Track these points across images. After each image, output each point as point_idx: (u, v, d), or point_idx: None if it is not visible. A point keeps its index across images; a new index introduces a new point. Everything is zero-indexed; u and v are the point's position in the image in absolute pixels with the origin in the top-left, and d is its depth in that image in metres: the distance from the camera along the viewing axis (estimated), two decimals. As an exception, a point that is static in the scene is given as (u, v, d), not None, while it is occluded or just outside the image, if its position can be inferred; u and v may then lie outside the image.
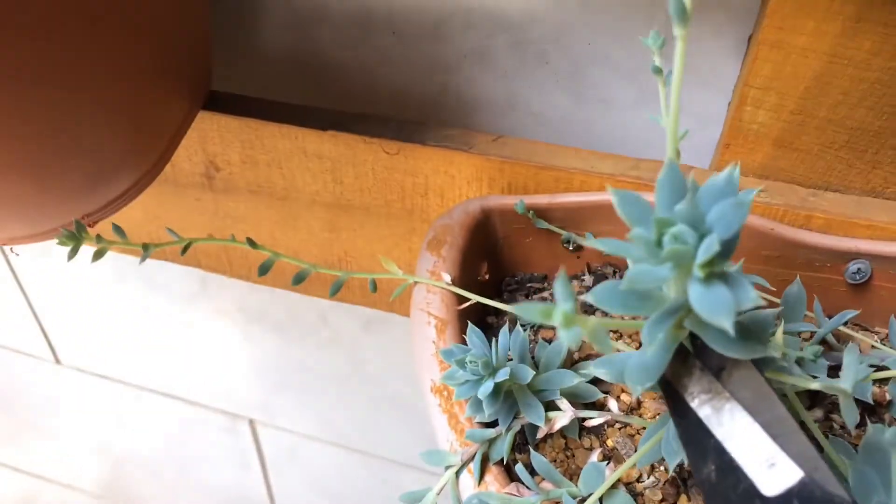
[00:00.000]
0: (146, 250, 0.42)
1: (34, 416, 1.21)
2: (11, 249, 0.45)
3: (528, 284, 0.51)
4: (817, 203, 0.44)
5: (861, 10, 0.38)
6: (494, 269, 0.50)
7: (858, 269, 0.43)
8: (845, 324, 0.42)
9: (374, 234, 0.55)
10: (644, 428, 0.40)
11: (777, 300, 0.42)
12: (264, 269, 0.44)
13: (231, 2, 0.56)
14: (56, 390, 1.12)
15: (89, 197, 0.44)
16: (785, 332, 0.38)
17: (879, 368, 0.40)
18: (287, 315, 0.80)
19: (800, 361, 0.39)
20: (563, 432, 0.40)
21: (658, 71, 0.34)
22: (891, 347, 0.40)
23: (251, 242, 0.44)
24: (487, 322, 0.48)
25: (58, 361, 1.05)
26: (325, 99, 0.58)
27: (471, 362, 0.35)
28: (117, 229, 0.42)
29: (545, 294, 0.50)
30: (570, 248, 0.48)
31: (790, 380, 0.30)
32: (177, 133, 0.48)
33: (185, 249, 0.44)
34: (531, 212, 0.46)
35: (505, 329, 0.38)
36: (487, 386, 0.35)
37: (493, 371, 0.35)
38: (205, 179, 0.56)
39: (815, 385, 0.27)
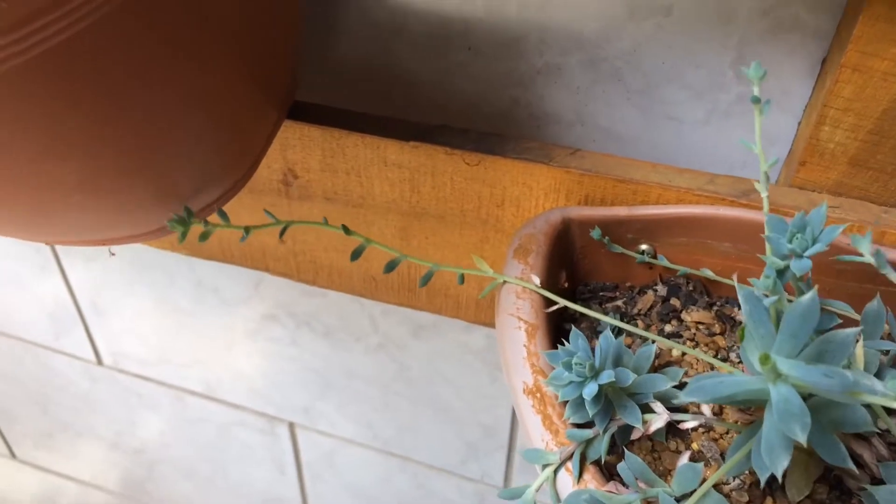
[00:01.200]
0: (247, 232, 0.44)
1: (72, 417, 1.22)
2: (109, 249, 0.47)
3: (601, 293, 0.53)
4: (890, 220, 0.46)
5: (944, 37, 0.40)
6: (571, 277, 0.52)
7: (930, 283, 0.45)
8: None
9: (446, 241, 0.57)
10: (727, 432, 0.42)
11: (856, 315, 0.44)
12: (356, 255, 0.46)
13: (312, 14, 0.58)
14: (96, 392, 1.14)
15: (191, 202, 0.46)
16: (865, 347, 0.40)
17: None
18: (338, 320, 0.82)
19: (879, 374, 0.41)
20: (650, 435, 0.42)
21: (756, 101, 0.36)
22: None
23: (345, 229, 0.45)
24: (564, 328, 0.49)
25: (100, 363, 1.06)
26: (400, 109, 0.60)
27: (577, 364, 0.37)
28: (222, 213, 0.44)
29: (618, 303, 0.51)
30: (646, 258, 0.50)
31: (877, 400, 0.31)
32: (266, 142, 0.50)
33: (282, 232, 0.46)
34: (606, 237, 0.48)
35: (605, 334, 0.39)
36: (592, 388, 0.37)
37: (597, 373, 0.37)
38: (282, 186, 0.58)
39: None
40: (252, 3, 0.41)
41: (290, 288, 0.80)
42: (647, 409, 0.40)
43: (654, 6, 0.50)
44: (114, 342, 1.03)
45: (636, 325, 0.50)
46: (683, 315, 0.49)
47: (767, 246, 0.35)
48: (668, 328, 0.48)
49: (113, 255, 0.56)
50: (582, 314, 0.52)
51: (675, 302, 0.49)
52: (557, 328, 0.49)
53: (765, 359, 0.30)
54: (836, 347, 0.32)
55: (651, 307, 0.50)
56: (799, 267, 0.34)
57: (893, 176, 0.46)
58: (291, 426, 1.01)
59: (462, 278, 0.47)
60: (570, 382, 0.37)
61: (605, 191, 0.50)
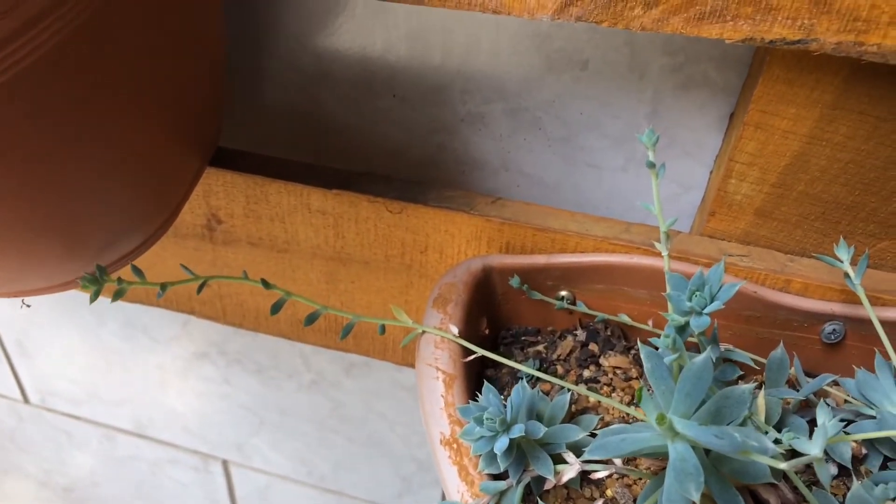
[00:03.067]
0: (163, 289, 0.44)
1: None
2: (23, 301, 0.47)
3: (523, 338, 0.53)
4: (796, 268, 0.47)
5: (837, 99, 0.42)
6: (493, 323, 0.52)
7: (833, 329, 0.47)
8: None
9: (372, 286, 0.57)
10: (640, 479, 0.43)
11: (763, 359, 0.46)
12: (276, 309, 0.46)
13: (239, 61, 0.58)
14: (24, 431, 1.10)
15: (106, 252, 0.45)
16: (767, 396, 0.41)
17: (852, 422, 0.43)
18: (269, 358, 0.81)
19: (782, 421, 0.43)
20: (565, 484, 0.42)
21: (651, 165, 0.37)
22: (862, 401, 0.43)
23: (265, 283, 0.45)
24: (487, 375, 0.50)
25: (26, 401, 1.03)
26: (327, 155, 0.60)
27: (487, 419, 0.37)
28: (136, 270, 0.43)
29: (539, 347, 0.52)
30: (565, 304, 0.51)
31: (764, 459, 0.32)
32: (188, 189, 0.50)
33: (200, 288, 0.45)
34: (525, 285, 0.49)
35: (518, 386, 0.40)
36: (503, 442, 0.37)
37: (508, 427, 0.38)
38: (206, 231, 0.58)
39: (784, 466, 0.29)
40: (171, 61, 0.41)
41: (219, 326, 0.79)
42: (560, 459, 0.41)
43: (571, 60, 0.51)
44: (41, 381, 1.00)
45: (556, 371, 0.51)
46: (602, 360, 0.50)
47: (669, 304, 0.37)
48: (586, 373, 0.49)
49: (28, 306, 0.55)
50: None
51: (593, 347, 0.50)
52: (479, 375, 0.50)
53: (661, 419, 0.31)
54: (733, 403, 0.34)
55: (570, 352, 0.51)
56: (698, 324, 0.35)
57: (797, 226, 0.47)
58: (225, 463, 1.00)
59: (383, 328, 0.47)
60: (482, 437, 0.38)
61: (524, 239, 0.51)
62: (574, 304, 0.52)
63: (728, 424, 0.36)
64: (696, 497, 0.30)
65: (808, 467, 0.43)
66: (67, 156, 0.37)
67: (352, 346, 0.62)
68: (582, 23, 0.40)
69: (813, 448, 0.32)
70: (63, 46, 0.33)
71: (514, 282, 0.49)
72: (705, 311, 0.36)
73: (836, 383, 0.45)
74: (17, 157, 0.35)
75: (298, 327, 0.62)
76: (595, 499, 0.42)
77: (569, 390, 0.44)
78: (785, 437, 0.35)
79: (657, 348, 0.36)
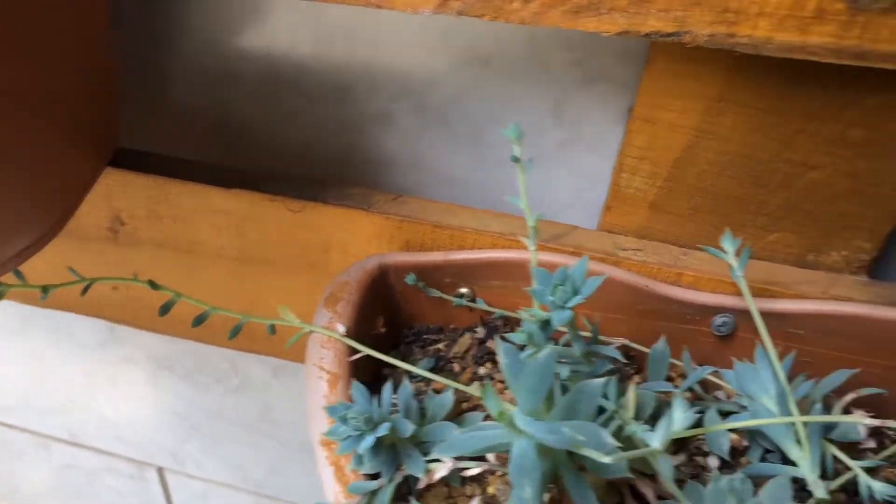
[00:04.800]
0: (45, 291, 0.43)
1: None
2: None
3: (425, 336, 0.53)
4: (688, 261, 0.47)
5: (722, 92, 0.42)
6: (392, 322, 0.52)
7: (724, 322, 0.47)
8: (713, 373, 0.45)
9: (279, 286, 0.56)
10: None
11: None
12: (165, 309, 0.45)
13: (143, 61, 0.57)
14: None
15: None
16: (646, 390, 0.41)
17: (734, 413, 0.43)
18: (196, 362, 0.80)
19: (657, 414, 0.42)
20: (446, 481, 0.42)
21: (516, 160, 0.37)
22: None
23: (152, 284, 0.45)
24: (384, 375, 0.49)
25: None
26: (236, 155, 0.60)
27: (352, 418, 0.37)
28: (17, 272, 0.42)
29: (440, 345, 0.52)
30: (463, 301, 0.50)
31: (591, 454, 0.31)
32: (82, 191, 0.49)
33: (85, 290, 0.44)
34: (422, 283, 0.49)
35: (388, 384, 0.40)
36: (368, 441, 0.37)
37: (375, 426, 0.37)
38: (109, 233, 0.57)
39: (606, 459, 0.29)
40: (53, 62, 0.40)
41: (146, 332, 0.78)
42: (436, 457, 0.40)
43: (474, 56, 0.51)
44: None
45: (452, 368, 0.50)
46: (498, 357, 0.49)
47: (533, 299, 0.36)
48: (482, 370, 0.49)
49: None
50: (405, 359, 0.52)
51: (491, 344, 0.50)
52: (377, 375, 0.49)
53: (500, 415, 0.30)
54: (585, 398, 0.33)
55: (467, 350, 0.50)
56: (559, 318, 0.35)
57: (690, 219, 0.47)
58: (160, 470, 0.98)
59: (273, 328, 0.46)
60: (348, 436, 0.37)
61: (424, 236, 0.50)
62: (474, 301, 0.51)
63: (582, 419, 0.36)
64: (532, 492, 0.29)
65: (689, 458, 0.43)
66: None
67: (264, 348, 0.61)
68: (464, 17, 0.40)
69: (653, 441, 0.32)
70: None
71: (410, 279, 0.49)
72: (567, 304, 0.35)
73: (719, 375, 0.45)
74: None
75: (210, 330, 0.61)
76: (474, 496, 0.41)
77: (460, 389, 0.43)
78: (637, 429, 0.34)
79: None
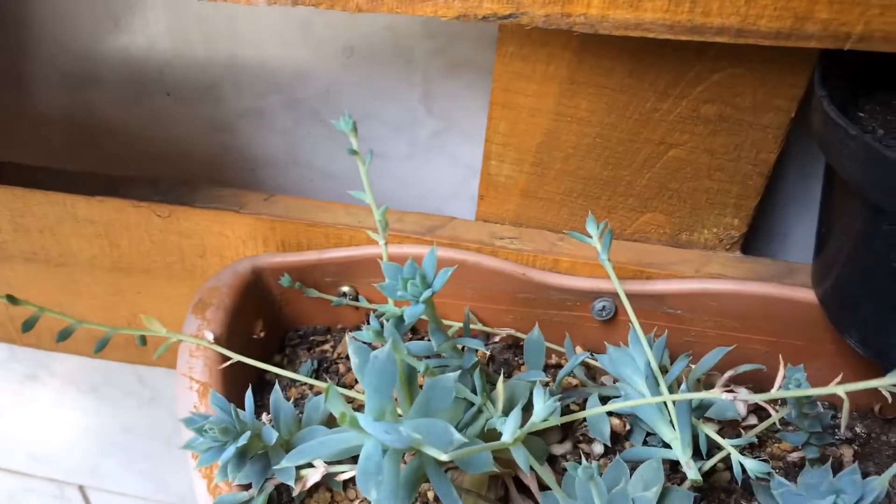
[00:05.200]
0: None
1: None
2: None
3: (311, 337, 0.52)
4: (564, 247, 0.47)
5: (573, 73, 0.41)
6: (275, 324, 0.50)
7: (604, 306, 0.46)
8: (593, 359, 0.45)
9: (160, 295, 0.55)
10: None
11: (549, 344, 0.45)
12: (28, 326, 0.43)
13: (-3, 66, 0.55)
14: None
15: None
16: (514, 381, 0.41)
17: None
18: (102, 377, 0.78)
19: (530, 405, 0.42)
20: (328, 486, 0.41)
21: (353, 153, 0.36)
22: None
23: (11, 298, 0.42)
24: (268, 380, 0.48)
25: None
26: (106, 161, 0.57)
27: (209, 429, 0.35)
28: None
29: (326, 347, 0.51)
30: (345, 300, 0.49)
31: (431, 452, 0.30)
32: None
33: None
34: (298, 283, 0.48)
35: (249, 391, 0.38)
36: (229, 451, 0.35)
37: (237, 435, 0.36)
38: (-24, 249, 0.54)
39: (444, 457, 0.28)
40: None
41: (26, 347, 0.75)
42: (309, 463, 0.39)
43: (336, 48, 0.50)
44: None
45: (337, 369, 0.49)
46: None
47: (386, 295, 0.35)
48: (366, 370, 0.48)
49: None
50: (290, 363, 0.51)
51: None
52: (261, 380, 0.48)
53: (342, 417, 0.29)
54: (440, 393, 0.33)
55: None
56: (411, 313, 0.34)
57: (562, 204, 0.47)
58: (82, 489, 0.95)
59: (143, 339, 0.45)
60: (209, 448, 0.36)
61: (299, 235, 0.49)
62: (357, 299, 0.50)
63: (442, 415, 0.36)
64: (375, 496, 0.28)
65: (574, 446, 0.43)
66: None
67: (152, 360, 0.59)
68: (301, 6, 0.39)
69: (504, 434, 0.31)
70: None
71: (285, 281, 0.47)
72: (421, 299, 0.34)
73: (594, 360, 0.44)
74: None
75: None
76: (357, 499, 0.40)
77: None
78: (498, 422, 0.34)
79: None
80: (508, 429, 0.31)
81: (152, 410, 0.81)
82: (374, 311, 0.50)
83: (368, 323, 0.50)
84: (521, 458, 0.32)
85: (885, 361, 0.38)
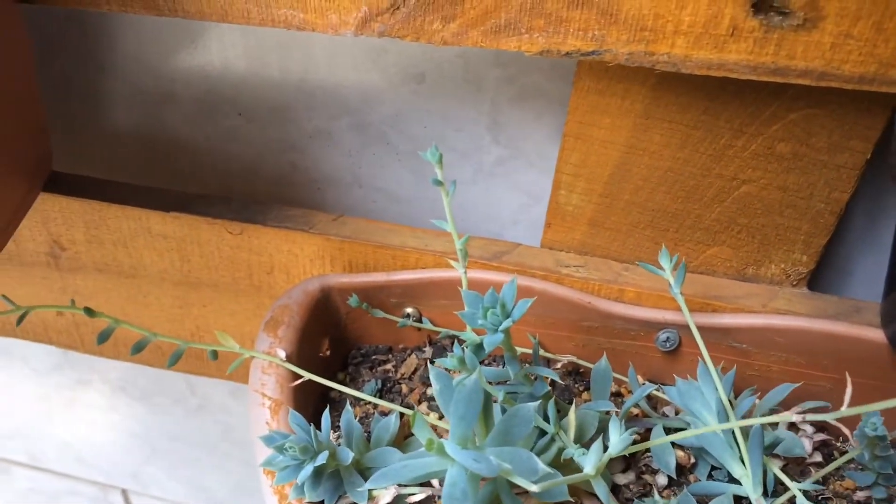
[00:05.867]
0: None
1: None
2: None
3: (373, 357, 0.53)
4: (629, 277, 0.47)
5: (648, 109, 0.42)
6: (340, 343, 0.51)
7: (668, 337, 0.47)
8: (657, 390, 0.45)
9: (225, 309, 0.56)
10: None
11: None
12: (104, 337, 0.44)
13: (80, 84, 0.56)
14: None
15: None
16: (588, 410, 0.41)
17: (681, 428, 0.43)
18: (153, 384, 0.79)
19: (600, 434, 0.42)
20: (397, 507, 0.42)
21: (438, 183, 0.36)
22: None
23: (88, 311, 0.44)
24: (331, 397, 0.49)
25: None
26: (176, 176, 0.59)
27: (289, 448, 0.36)
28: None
29: (388, 366, 0.52)
30: (409, 321, 0.50)
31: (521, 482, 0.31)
32: (13, 216, 0.48)
33: (20, 319, 0.43)
34: (364, 304, 0.48)
35: (327, 413, 0.39)
36: (307, 471, 0.36)
37: (314, 455, 0.37)
38: (50, 258, 0.56)
39: (534, 489, 0.29)
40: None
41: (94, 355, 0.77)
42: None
43: (407, 74, 0.51)
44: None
45: (400, 389, 0.50)
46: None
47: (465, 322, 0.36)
48: (430, 391, 0.49)
49: None
50: (353, 381, 0.52)
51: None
52: (324, 397, 0.49)
53: (430, 444, 0.30)
54: (519, 422, 0.33)
55: (415, 370, 0.50)
56: (490, 342, 0.35)
57: (629, 235, 0.47)
58: (125, 493, 0.97)
59: (215, 354, 0.46)
60: (286, 466, 0.37)
61: (366, 256, 0.50)
62: (420, 320, 0.51)
63: (518, 443, 0.36)
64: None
65: (638, 476, 0.43)
66: None
67: (214, 371, 0.60)
68: (386, 37, 0.40)
69: (586, 466, 0.32)
70: None
71: (353, 301, 0.48)
72: (500, 328, 0.35)
73: (658, 391, 0.45)
74: None
75: (158, 353, 0.60)
76: (423, 522, 0.41)
77: (402, 413, 0.43)
78: (574, 452, 0.34)
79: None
80: (590, 461, 0.32)
81: (199, 418, 0.82)
82: (438, 333, 0.51)
83: (430, 345, 0.52)
84: (602, 491, 0.33)
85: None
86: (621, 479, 0.44)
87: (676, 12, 0.35)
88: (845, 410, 0.29)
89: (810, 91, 0.39)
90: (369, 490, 0.39)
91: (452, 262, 0.38)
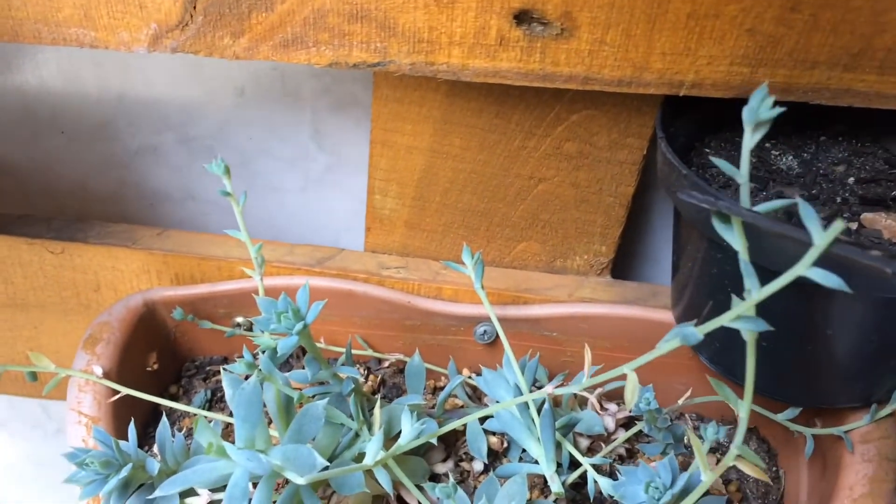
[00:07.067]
0: None
1: None
2: None
3: (207, 368, 0.53)
4: (447, 276, 0.49)
5: (446, 114, 0.44)
6: (171, 356, 0.52)
7: (485, 331, 0.49)
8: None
9: (57, 329, 0.55)
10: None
11: (436, 368, 0.48)
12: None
13: None
14: None
15: None
16: (391, 406, 0.43)
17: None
18: (7, 410, 0.77)
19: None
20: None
21: (227, 194, 0.37)
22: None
23: None
24: (166, 410, 0.49)
25: None
26: (3, 199, 0.58)
27: (90, 463, 0.36)
28: None
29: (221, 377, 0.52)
30: (238, 331, 0.51)
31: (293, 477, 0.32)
32: None
33: None
34: (190, 315, 0.49)
35: (132, 425, 0.39)
36: (111, 484, 0.36)
37: (119, 468, 0.37)
38: None
39: (301, 481, 0.30)
40: None
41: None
42: (193, 492, 0.40)
43: (226, 87, 0.51)
44: None
45: (231, 399, 0.50)
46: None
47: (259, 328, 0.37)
48: (260, 398, 0.49)
49: None
50: (186, 393, 0.52)
51: (267, 372, 0.50)
52: (155, 412, 0.49)
53: (210, 447, 0.31)
54: (310, 420, 0.35)
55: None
56: (285, 345, 0.36)
57: (444, 235, 0.49)
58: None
59: (33, 375, 0.45)
60: (92, 481, 0.37)
61: (192, 269, 0.50)
62: (251, 329, 0.52)
63: (319, 441, 0.38)
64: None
65: (456, 464, 0.45)
66: None
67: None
68: (178, 53, 0.40)
69: (367, 457, 0.33)
70: None
71: (177, 314, 0.49)
72: (294, 331, 0.36)
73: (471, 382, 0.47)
74: None
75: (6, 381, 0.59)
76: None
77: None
78: (368, 447, 0.36)
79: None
80: (371, 452, 0.34)
81: (59, 442, 0.80)
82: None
83: (265, 353, 0.52)
84: (384, 479, 0.34)
85: (731, 376, 0.41)
86: (440, 467, 0.46)
87: (448, 24, 0.37)
88: (586, 382, 0.31)
89: (585, 94, 0.41)
90: (182, 499, 0.39)
91: (247, 271, 0.39)
